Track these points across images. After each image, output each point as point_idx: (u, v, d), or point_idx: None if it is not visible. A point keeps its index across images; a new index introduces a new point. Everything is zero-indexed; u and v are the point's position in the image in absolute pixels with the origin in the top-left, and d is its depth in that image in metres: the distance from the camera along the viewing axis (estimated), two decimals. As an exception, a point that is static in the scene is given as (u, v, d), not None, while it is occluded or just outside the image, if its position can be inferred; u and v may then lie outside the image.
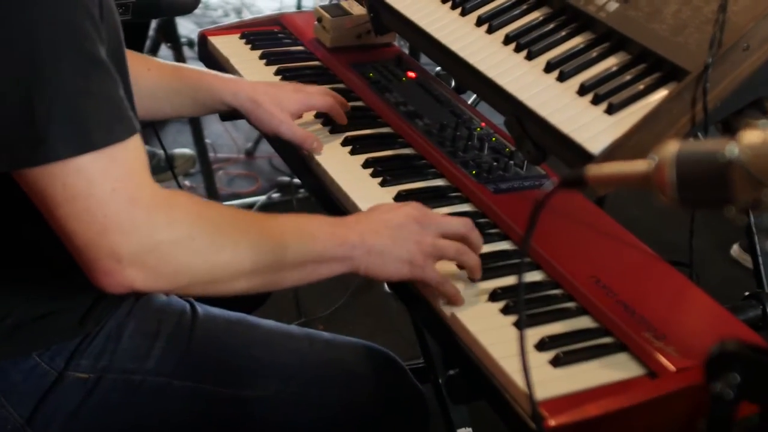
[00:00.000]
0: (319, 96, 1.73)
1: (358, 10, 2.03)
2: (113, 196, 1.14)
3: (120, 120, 1.17)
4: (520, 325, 1.25)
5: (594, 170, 0.94)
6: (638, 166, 0.91)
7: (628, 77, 1.43)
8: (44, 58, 1.11)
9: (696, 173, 0.86)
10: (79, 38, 1.14)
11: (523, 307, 1.14)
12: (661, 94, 1.37)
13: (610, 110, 1.38)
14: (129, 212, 1.15)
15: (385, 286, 2.88)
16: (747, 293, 1.54)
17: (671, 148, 0.88)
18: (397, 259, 1.32)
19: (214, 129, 3.82)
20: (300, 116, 1.74)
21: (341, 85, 1.94)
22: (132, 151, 1.17)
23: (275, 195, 3.49)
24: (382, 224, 1.34)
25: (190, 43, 4.16)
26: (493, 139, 1.74)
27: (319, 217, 1.35)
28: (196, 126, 3.31)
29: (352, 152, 1.70)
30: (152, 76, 1.63)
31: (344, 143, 1.73)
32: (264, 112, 1.66)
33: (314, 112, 1.78)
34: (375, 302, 2.93)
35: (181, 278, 1.21)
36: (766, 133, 0.81)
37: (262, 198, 3.47)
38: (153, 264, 1.17)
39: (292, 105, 1.69)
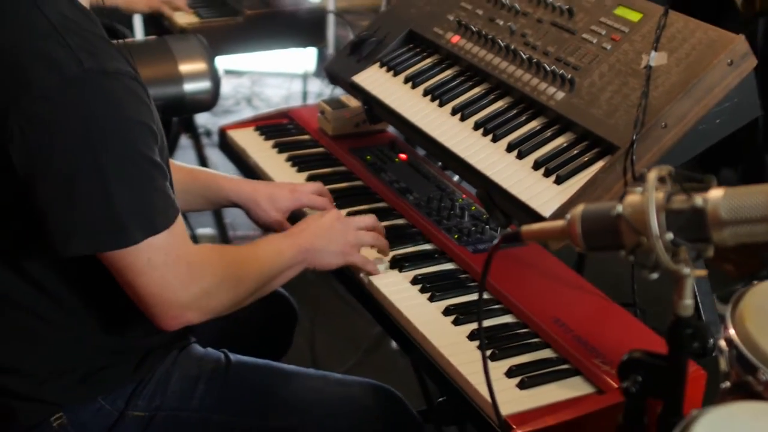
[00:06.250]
0: (309, 196, 2.04)
1: (355, 102, 2.35)
2: (178, 262, 1.51)
3: (172, 206, 1.53)
4: (481, 348, 1.48)
5: (526, 228, 1.26)
6: (558, 224, 1.23)
7: (573, 152, 1.75)
8: (122, 170, 1.46)
9: (596, 226, 1.18)
10: (146, 151, 1.49)
11: (483, 334, 1.42)
12: (599, 166, 1.69)
13: (558, 181, 1.70)
14: (188, 273, 1.53)
15: (393, 343, 3.17)
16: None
17: (579, 208, 1.20)
18: (333, 252, 1.79)
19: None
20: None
21: (342, 168, 2.27)
22: (179, 226, 1.54)
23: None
24: (316, 230, 1.78)
25: (207, 133, 4.51)
26: (473, 208, 2.05)
27: (279, 235, 1.81)
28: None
29: (353, 225, 2.02)
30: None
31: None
32: (260, 211, 2.02)
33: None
34: (384, 359, 3.20)
35: (220, 310, 1.62)
36: (641, 196, 1.13)
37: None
38: (204, 305, 1.57)
39: (284, 203, 2.03)
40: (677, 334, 1.16)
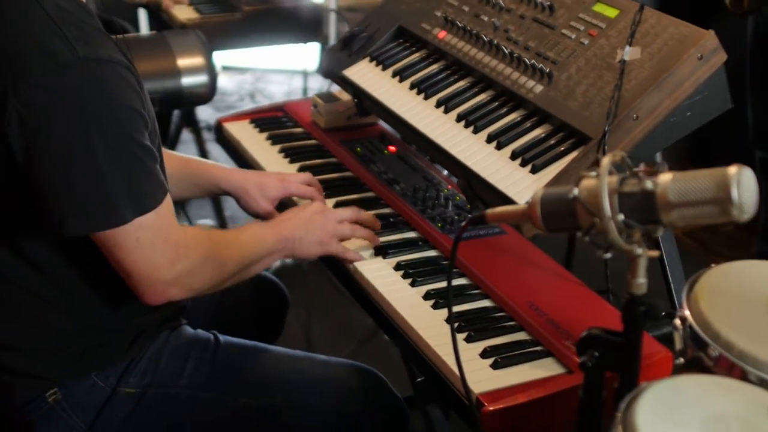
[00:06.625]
0: (298, 185, 2.11)
1: (347, 96, 2.42)
2: (165, 241, 1.59)
3: (160, 187, 1.61)
4: (451, 328, 1.54)
5: (491, 211, 1.33)
6: (520, 207, 1.30)
7: (550, 143, 1.82)
8: (114, 154, 1.53)
9: (554, 208, 1.25)
10: (136, 136, 1.56)
11: (451, 308, 1.49)
12: (572, 156, 1.76)
13: (534, 170, 1.77)
14: (174, 252, 1.61)
15: (386, 336, 3.24)
16: (663, 313, 1.90)
17: (539, 193, 1.27)
18: (311, 242, 1.87)
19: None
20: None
21: (334, 159, 2.34)
22: (167, 206, 1.62)
23: (288, 260, 3.86)
24: (297, 220, 1.88)
25: (209, 127, 4.57)
26: (457, 198, 2.12)
27: (262, 223, 1.89)
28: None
29: (341, 213, 2.09)
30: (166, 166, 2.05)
31: (335, 207, 2.11)
32: (249, 199, 2.09)
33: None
34: (378, 349, 3.27)
35: (201, 289, 1.71)
36: (595, 180, 1.20)
37: (276, 262, 3.83)
38: (186, 283, 1.65)
39: (273, 192, 2.10)
40: (631, 311, 1.23)
